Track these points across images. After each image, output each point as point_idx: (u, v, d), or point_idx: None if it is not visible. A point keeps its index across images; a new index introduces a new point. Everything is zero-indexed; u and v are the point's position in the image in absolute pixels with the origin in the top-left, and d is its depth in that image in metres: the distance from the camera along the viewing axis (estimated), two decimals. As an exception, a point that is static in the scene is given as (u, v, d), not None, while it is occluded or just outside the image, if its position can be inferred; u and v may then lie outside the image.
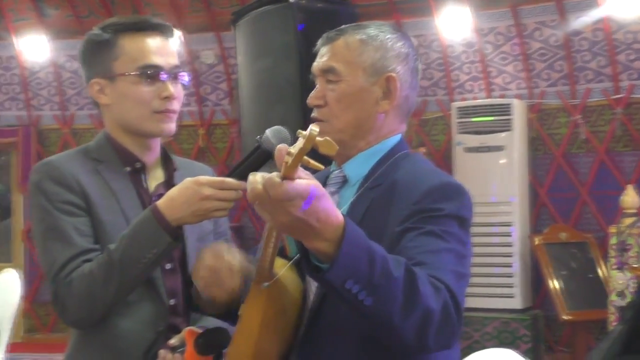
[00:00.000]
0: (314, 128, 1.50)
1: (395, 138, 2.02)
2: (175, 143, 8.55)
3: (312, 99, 1.98)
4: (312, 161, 1.52)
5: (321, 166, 1.54)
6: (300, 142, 1.49)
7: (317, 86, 1.98)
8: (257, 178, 1.52)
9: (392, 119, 1.99)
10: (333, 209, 1.58)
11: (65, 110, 8.93)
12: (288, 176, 1.49)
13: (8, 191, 9.48)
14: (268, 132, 2.07)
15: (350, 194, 1.95)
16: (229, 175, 2.09)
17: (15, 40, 8.76)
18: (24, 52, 8.80)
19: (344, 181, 1.99)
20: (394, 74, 1.96)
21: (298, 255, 1.84)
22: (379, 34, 1.97)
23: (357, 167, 1.98)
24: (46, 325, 8.82)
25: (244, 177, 2.08)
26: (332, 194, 1.98)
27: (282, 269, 1.87)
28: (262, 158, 2.07)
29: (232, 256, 2.03)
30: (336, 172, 2.02)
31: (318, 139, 1.49)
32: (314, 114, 1.98)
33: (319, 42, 2.01)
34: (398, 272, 1.61)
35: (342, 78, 1.94)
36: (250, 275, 1.97)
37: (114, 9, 8.33)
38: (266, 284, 1.83)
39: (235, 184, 2.06)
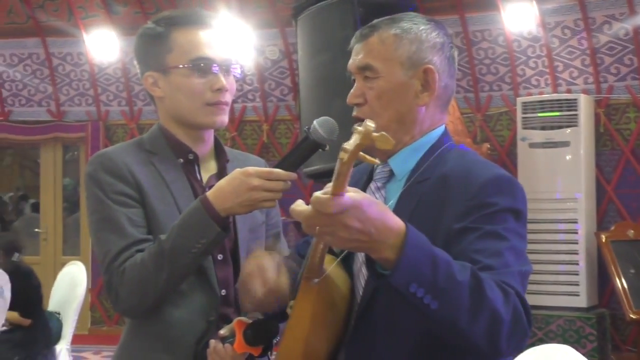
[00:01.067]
0: (369, 123, 1.50)
1: (439, 130, 2.00)
2: (240, 138, 8.63)
3: (351, 97, 1.96)
4: (368, 157, 1.54)
5: (377, 160, 1.55)
6: (356, 138, 1.50)
7: (356, 84, 1.97)
8: (300, 207, 1.58)
9: (433, 110, 1.97)
10: (391, 215, 1.61)
11: (132, 106, 9.07)
12: (337, 193, 1.52)
13: (76, 185, 9.67)
14: (316, 122, 2.07)
15: (397, 189, 1.94)
16: (277, 166, 2.10)
17: (85, 36, 8.92)
18: (93, 48, 8.95)
19: (390, 176, 1.98)
20: (431, 66, 1.94)
21: (346, 251, 1.85)
22: (412, 26, 1.94)
23: (403, 162, 1.96)
24: (112, 318, 8.97)
25: (292, 167, 2.09)
26: (379, 188, 1.98)
27: (331, 264, 1.87)
28: (311, 149, 2.07)
29: (274, 271, 2.01)
30: (381, 166, 2.00)
31: (374, 134, 1.49)
32: (355, 113, 1.97)
33: (353, 40, 2.00)
34: (463, 276, 1.62)
35: (380, 74, 1.92)
36: (290, 287, 1.97)
37: (180, 5, 8.42)
38: (316, 280, 1.83)
39: (283, 175, 2.07)
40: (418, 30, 1.94)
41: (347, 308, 1.92)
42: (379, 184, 1.99)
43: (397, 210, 1.89)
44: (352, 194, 1.55)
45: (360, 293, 1.92)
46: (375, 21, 1.98)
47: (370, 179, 2.03)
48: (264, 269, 1.99)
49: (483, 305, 1.62)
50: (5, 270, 6.45)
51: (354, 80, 1.99)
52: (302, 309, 1.85)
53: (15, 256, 6.71)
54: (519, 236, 1.81)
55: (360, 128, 1.51)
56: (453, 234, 1.79)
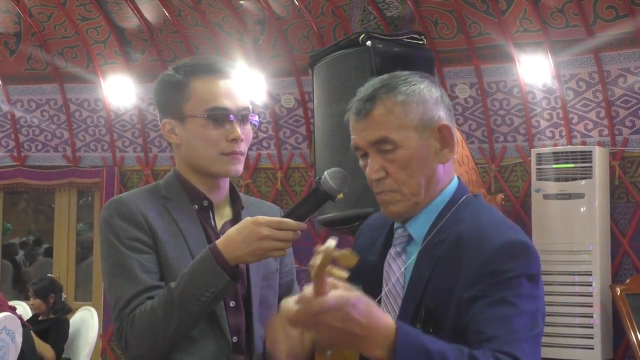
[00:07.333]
0: (330, 242, 1.53)
1: (453, 185, 1.98)
2: (254, 186, 8.64)
3: (372, 173, 1.90)
4: (335, 270, 1.59)
5: (344, 274, 1.58)
6: (318, 258, 1.53)
7: (371, 160, 1.91)
8: (289, 302, 1.59)
9: (449, 164, 1.96)
10: (378, 314, 1.60)
11: (147, 152, 9.11)
12: (319, 291, 1.54)
13: (89, 231, 9.68)
14: (326, 173, 2.08)
15: (417, 252, 1.92)
16: (287, 216, 2.11)
17: (102, 83, 9.00)
18: (110, 95, 9.02)
19: (409, 240, 1.96)
20: (443, 122, 1.92)
21: None
22: (413, 88, 1.91)
23: (421, 225, 1.93)
24: (123, 363, 8.93)
25: (302, 217, 2.10)
26: (399, 254, 1.96)
27: None
28: (321, 199, 2.08)
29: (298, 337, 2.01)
30: (400, 230, 1.98)
31: (336, 252, 1.52)
32: (377, 189, 1.92)
33: (352, 116, 1.94)
34: None
35: (398, 144, 1.88)
36: None
37: (198, 52, 8.50)
38: (329, 352, 1.81)
39: (293, 225, 2.08)
40: (420, 90, 1.91)
41: None
42: (399, 249, 1.96)
43: (415, 274, 1.88)
44: (336, 294, 1.55)
45: None
46: (369, 91, 1.92)
47: (388, 242, 2.00)
48: (289, 335, 1.98)
49: None
50: (53, 311, 6.51)
51: (363, 156, 1.94)
52: None
53: (63, 296, 6.79)
54: (532, 298, 1.79)
55: (322, 247, 1.53)
56: (464, 303, 1.77)
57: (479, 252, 1.80)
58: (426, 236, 1.91)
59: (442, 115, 1.93)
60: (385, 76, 1.96)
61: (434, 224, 1.91)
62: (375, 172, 1.90)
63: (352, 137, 1.95)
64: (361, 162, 1.96)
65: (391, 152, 1.88)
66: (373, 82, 1.95)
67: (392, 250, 1.98)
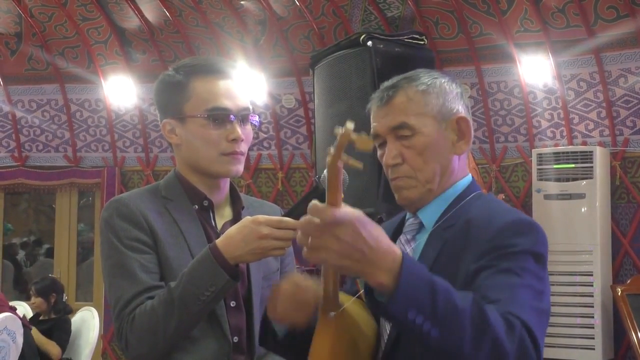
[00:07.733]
0: (349, 125, 1.53)
1: (466, 180, 2.02)
2: (255, 186, 8.64)
3: (389, 159, 1.96)
4: (351, 160, 1.56)
5: (359, 165, 1.58)
6: (337, 140, 1.55)
7: (389, 145, 1.97)
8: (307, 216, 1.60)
9: (463, 158, 2.02)
10: (387, 241, 1.61)
11: (148, 153, 9.11)
12: (333, 202, 1.56)
13: (90, 231, 9.68)
14: (326, 172, 2.07)
15: (425, 237, 1.96)
16: (287, 215, 2.11)
17: (103, 83, 9.00)
18: (111, 95, 9.02)
19: (420, 227, 1.99)
20: (462, 115, 1.98)
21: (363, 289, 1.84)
22: (434, 80, 1.99)
23: (433, 213, 1.97)
24: (124, 364, 8.92)
25: (302, 216, 2.09)
26: (409, 241, 1.99)
27: (349, 300, 1.86)
28: (320, 198, 2.07)
29: (307, 281, 2.02)
30: (411, 219, 2.02)
31: (353, 136, 1.53)
32: (393, 175, 1.97)
33: (374, 103, 2.01)
34: (464, 304, 1.62)
35: (416, 131, 1.94)
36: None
37: (199, 53, 8.50)
38: (332, 313, 1.82)
39: (293, 224, 2.07)
40: (441, 83, 1.99)
41: (371, 352, 1.90)
42: (409, 237, 1.99)
43: (422, 255, 1.92)
44: (349, 210, 1.56)
45: (385, 339, 1.91)
46: (392, 82, 2.00)
47: (399, 231, 2.04)
48: (299, 280, 1.97)
49: (486, 333, 1.61)
50: (54, 310, 6.53)
51: (381, 145, 1.99)
52: (321, 342, 1.84)
53: (64, 297, 6.81)
54: (538, 278, 1.80)
55: (341, 130, 1.54)
56: (470, 275, 1.80)
57: (487, 230, 1.84)
58: (436, 223, 1.95)
59: (461, 109, 2.00)
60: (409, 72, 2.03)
61: (444, 212, 1.96)
62: (392, 157, 1.95)
63: (372, 125, 2.00)
64: (379, 152, 2.01)
65: (409, 138, 1.94)
66: (397, 76, 2.02)
67: (402, 237, 2.01)
